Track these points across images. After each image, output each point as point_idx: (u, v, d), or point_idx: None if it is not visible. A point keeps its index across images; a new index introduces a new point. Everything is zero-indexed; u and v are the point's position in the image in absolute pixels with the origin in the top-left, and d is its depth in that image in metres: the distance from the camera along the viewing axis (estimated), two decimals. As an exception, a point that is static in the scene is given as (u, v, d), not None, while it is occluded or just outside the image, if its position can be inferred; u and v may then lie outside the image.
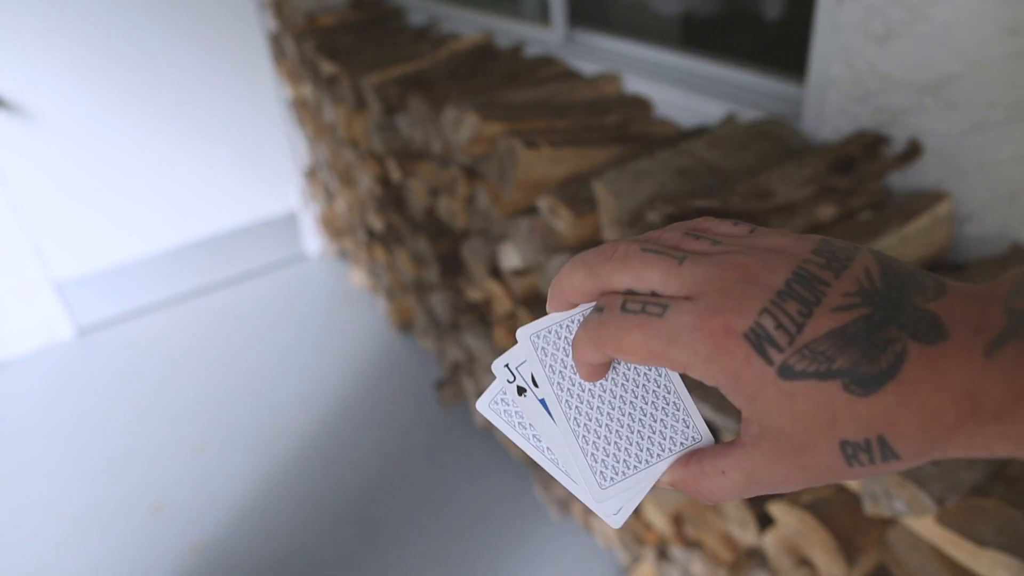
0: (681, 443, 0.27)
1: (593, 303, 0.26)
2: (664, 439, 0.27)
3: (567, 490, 0.28)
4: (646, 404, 0.27)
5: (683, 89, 1.25)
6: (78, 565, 1.67)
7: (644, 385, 0.27)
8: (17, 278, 2.41)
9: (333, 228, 2.73)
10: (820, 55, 0.98)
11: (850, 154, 0.91)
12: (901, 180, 0.94)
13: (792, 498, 0.80)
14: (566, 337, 0.27)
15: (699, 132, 1.15)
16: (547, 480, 1.58)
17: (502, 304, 1.31)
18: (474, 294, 1.44)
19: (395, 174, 1.62)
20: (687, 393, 0.27)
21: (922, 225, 0.84)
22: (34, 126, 2.26)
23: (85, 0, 2.19)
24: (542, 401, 0.27)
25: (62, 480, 1.91)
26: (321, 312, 2.55)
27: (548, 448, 0.27)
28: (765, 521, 0.90)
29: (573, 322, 0.27)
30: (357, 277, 2.59)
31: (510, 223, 1.12)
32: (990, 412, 0.19)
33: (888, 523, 0.76)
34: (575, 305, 0.26)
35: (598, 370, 0.26)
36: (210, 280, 2.76)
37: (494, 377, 0.28)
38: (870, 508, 0.69)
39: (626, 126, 1.21)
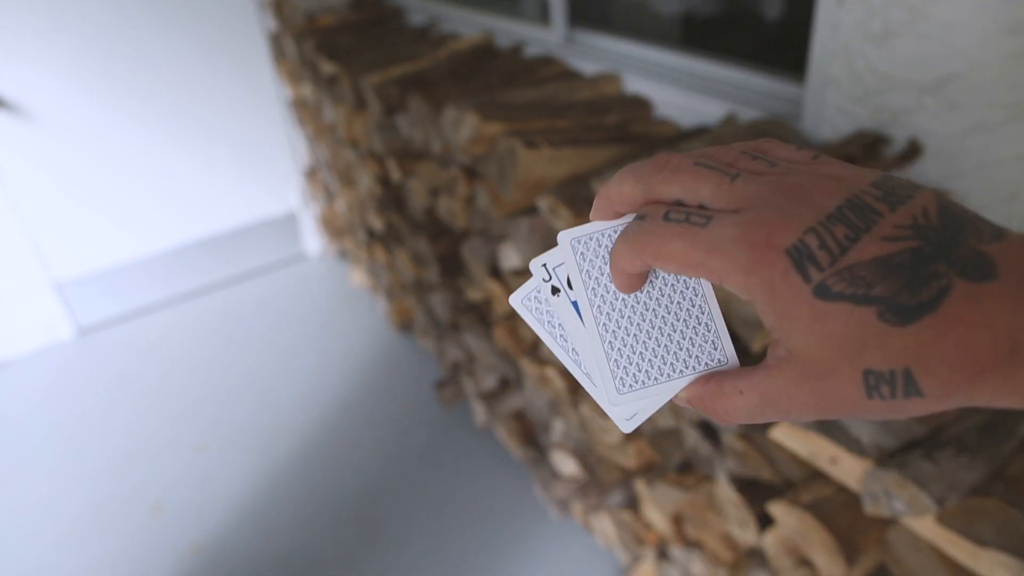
0: (706, 363, 0.27)
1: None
2: (690, 356, 0.27)
3: (592, 399, 0.28)
4: (677, 320, 0.27)
5: (683, 89, 1.25)
6: (78, 565, 1.67)
7: (678, 302, 0.27)
8: (17, 278, 2.41)
9: (333, 228, 2.73)
10: (820, 55, 0.98)
11: (850, 154, 0.91)
12: (901, 180, 0.94)
13: (792, 498, 0.80)
14: (606, 246, 0.27)
15: (699, 132, 1.15)
16: (547, 480, 1.58)
17: (502, 304, 1.31)
18: (474, 294, 1.44)
19: (395, 174, 1.62)
20: (720, 315, 0.27)
21: (922, 225, 0.84)
22: (34, 126, 2.26)
23: (85, 0, 2.19)
24: (574, 303, 0.27)
25: (62, 480, 1.91)
26: (321, 312, 2.55)
27: (573, 349, 0.28)
28: (765, 521, 0.90)
29: (615, 232, 0.27)
30: (357, 277, 2.59)
31: (510, 223, 1.12)
32: None
33: (888, 523, 0.76)
34: (619, 215, 0.26)
35: (634, 280, 0.26)
36: (210, 280, 2.76)
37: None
38: (870, 508, 0.69)
39: (626, 126, 1.21)
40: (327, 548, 1.65)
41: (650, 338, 0.27)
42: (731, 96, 1.18)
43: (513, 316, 1.30)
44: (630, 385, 0.27)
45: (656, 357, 0.27)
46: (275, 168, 2.76)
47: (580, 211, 0.98)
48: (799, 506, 0.79)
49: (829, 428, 0.74)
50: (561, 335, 0.28)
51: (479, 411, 1.73)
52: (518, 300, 0.28)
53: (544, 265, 0.27)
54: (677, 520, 1.13)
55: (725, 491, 0.94)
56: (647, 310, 0.27)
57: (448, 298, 1.61)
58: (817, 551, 0.79)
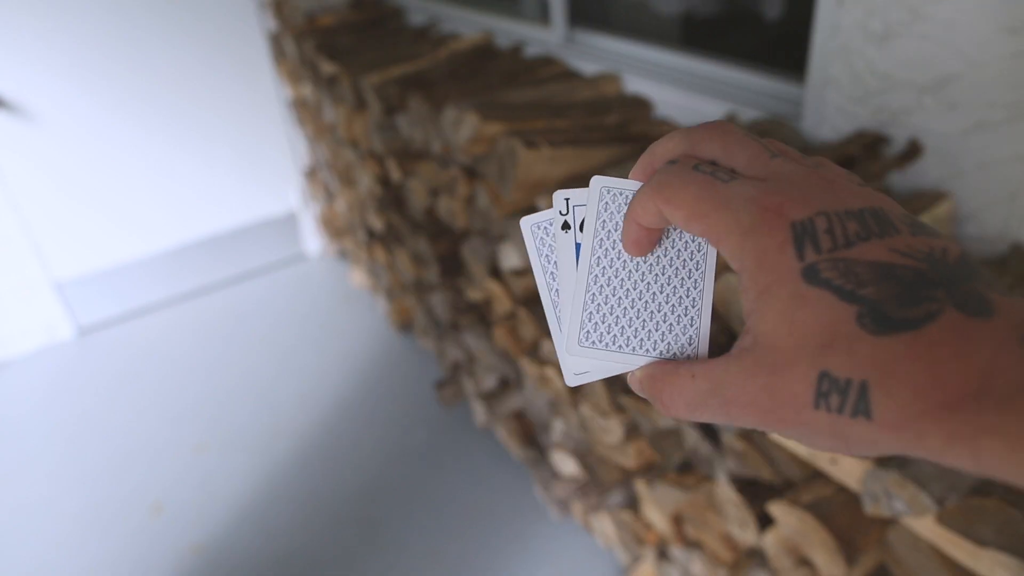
0: (675, 352, 0.26)
1: None
2: (662, 340, 0.26)
3: (552, 339, 0.28)
4: (666, 302, 0.27)
5: (683, 89, 1.25)
6: (78, 565, 1.67)
7: (675, 286, 0.27)
8: (17, 278, 2.41)
9: (333, 228, 2.73)
10: (820, 55, 0.98)
11: (850, 154, 0.91)
12: (901, 180, 0.94)
13: (792, 498, 0.80)
14: None
15: (699, 132, 1.15)
16: (547, 480, 1.58)
17: (502, 304, 1.31)
18: (474, 294, 1.44)
19: (395, 174, 1.62)
20: (709, 315, 0.27)
21: (922, 225, 0.84)
22: (34, 126, 2.26)
23: (85, 0, 2.19)
24: (578, 246, 0.27)
25: (62, 480, 1.91)
26: (321, 312, 2.55)
27: (557, 290, 0.27)
28: (765, 521, 0.90)
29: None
30: (357, 277, 2.59)
31: (510, 223, 1.12)
32: (996, 398, 0.17)
33: (888, 523, 0.76)
34: None
35: (642, 237, 0.26)
36: (210, 280, 2.76)
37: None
38: (870, 508, 0.69)
39: (626, 126, 1.21)
40: (327, 548, 1.65)
41: (632, 307, 0.26)
42: (731, 96, 1.18)
43: (513, 316, 1.30)
44: (593, 342, 0.26)
45: (630, 327, 0.26)
46: (275, 168, 2.76)
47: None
48: (799, 506, 0.79)
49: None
50: (552, 272, 0.28)
51: (479, 411, 1.73)
52: (528, 224, 0.28)
53: (567, 199, 0.27)
54: (677, 520, 1.13)
55: (725, 491, 0.94)
56: (642, 280, 0.27)
57: (448, 298, 1.61)
58: (817, 551, 0.79)
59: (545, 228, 0.28)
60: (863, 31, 0.91)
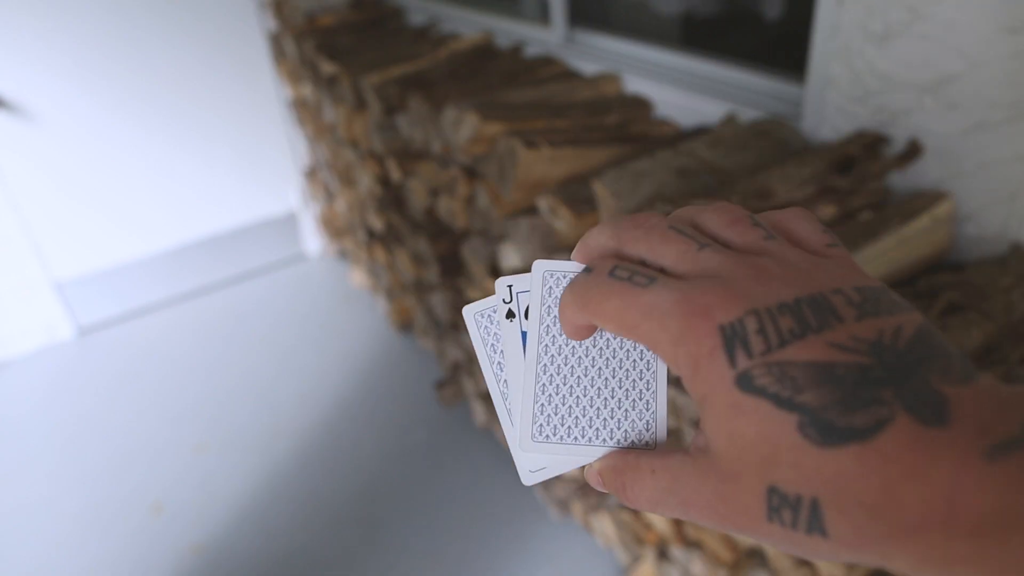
0: (633, 440, 0.25)
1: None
2: (619, 428, 0.25)
3: (504, 433, 0.27)
4: (619, 388, 0.25)
5: (683, 89, 1.25)
6: (78, 565, 1.67)
7: (627, 370, 0.26)
8: (17, 278, 2.41)
9: (333, 228, 2.73)
10: (820, 55, 0.98)
11: (850, 154, 0.91)
12: (901, 180, 0.94)
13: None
14: None
15: (699, 132, 1.15)
16: (548, 480, 1.58)
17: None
18: (474, 294, 1.44)
19: (395, 174, 1.62)
20: (665, 398, 0.26)
21: (922, 225, 0.84)
22: (34, 126, 2.26)
23: (85, 0, 2.19)
24: (524, 334, 0.26)
25: (62, 480, 1.91)
26: (321, 312, 2.55)
27: (505, 380, 0.26)
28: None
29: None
30: (357, 277, 2.59)
31: (510, 223, 1.12)
32: (968, 525, 0.15)
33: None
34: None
35: (581, 331, 0.25)
36: (210, 280, 2.76)
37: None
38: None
39: (626, 126, 1.21)
40: (327, 548, 1.65)
41: (585, 396, 0.25)
42: (731, 96, 1.18)
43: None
44: (547, 436, 0.25)
45: (584, 417, 0.25)
46: (275, 168, 2.76)
47: (580, 211, 0.98)
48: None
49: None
50: (499, 362, 0.26)
51: (479, 411, 1.73)
52: (471, 313, 0.27)
53: (510, 286, 0.27)
54: (677, 520, 1.13)
55: (725, 491, 0.94)
56: (593, 367, 0.25)
57: (448, 298, 1.61)
58: (817, 551, 0.79)
59: (489, 316, 0.27)
60: (863, 31, 0.91)
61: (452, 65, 1.58)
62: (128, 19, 2.28)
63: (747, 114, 1.12)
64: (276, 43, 2.41)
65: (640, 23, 1.47)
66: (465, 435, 1.90)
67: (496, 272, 1.32)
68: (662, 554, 1.25)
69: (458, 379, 1.85)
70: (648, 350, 0.25)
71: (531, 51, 1.61)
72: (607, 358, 0.26)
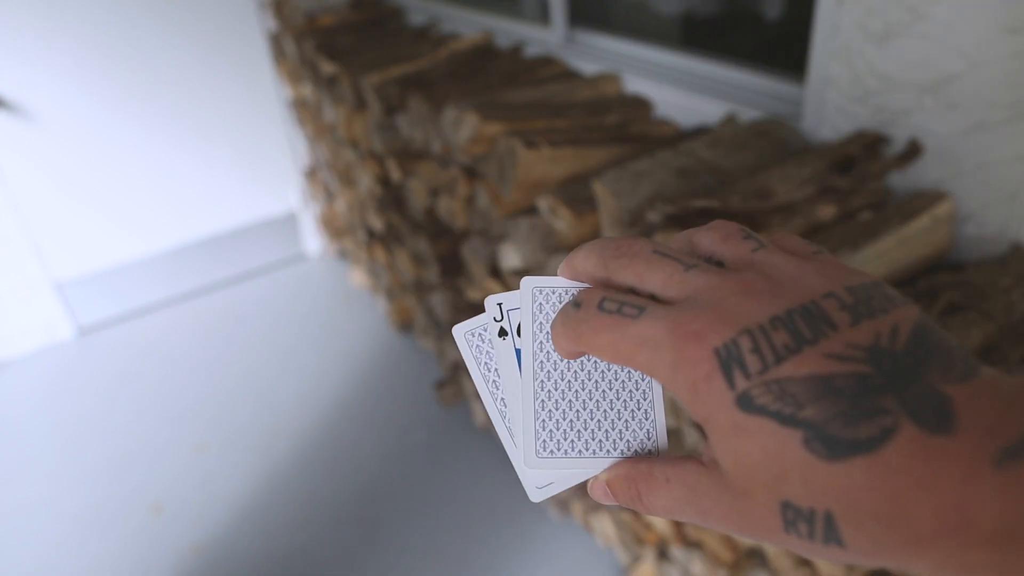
0: (636, 449, 0.25)
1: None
2: (621, 439, 0.25)
3: (507, 453, 0.27)
4: (617, 399, 0.26)
5: (683, 89, 1.25)
6: (78, 565, 1.67)
7: (623, 381, 0.26)
8: (17, 278, 2.41)
9: (333, 228, 2.73)
10: (820, 55, 0.98)
11: (850, 154, 0.91)
12: (901, 180, 0.94)
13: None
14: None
15: (699, 132, 1.15)
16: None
17: (502, 304, 1.31)
18: (474, 294, 1.44)
19: (395, 174, 1.62)
20: (662, 404, 0.26)
21: (922, 225, 0.84)
22: (34, 126, 2.26)
23: (85, 0, 2.19)
24: (518, 351, 0.26)
25: (62, 480, 1.91)
26: (321, 312, 2.55)
27: (502, 399, 0.26)
28: (765, 521, 0.90)
29: (577, 292, 0.26)
30: (357, 277, 2.59)
31: (510, 223, 1.12)
32: (982, 535, 0.15)
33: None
34: (583, 282, 0.26)
35: (574, 355, 0.25)
36: (210, 280, 2.76)
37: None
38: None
39: (626, 126, 1.21)
40: (327, 548, 1.65)
41: (584, 409, 0.25)
42: (731, 96, 1.18)
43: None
44: (551, 451, 0.25)
45: (586, 430, 0.25)
46: (275, 168, 2.76)
47: (580, 211, 0.98)
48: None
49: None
50: (494, 381, 0.26)
51: (479, 411, 1.73)
52: (461, 332, 0.27)
53: (499, 304, 0.26)
54: (677, 520, 1.13)
55: (725, 491, 0.94)
56: (589, 380, 0.26)
57: (448, 298, 1.61)
58: (817, 551, 0.79)
59: (480, 335, 0.27)
60: (863, 31, 0.91)
61: (452, 65, 1.58)
62: (128, 19, 2.28)
63: (747, 114, 1.12)
64: (276, 43, 2.41)
65: (640, 23, 1.47)
66: (465, 435, 1.90)
67: (496, 272, 1.32)
68: (662, 554, 1.25)
69: (458, 379, 1.85)
70: None
71: (531, 51, 1.61)
72: (602, 371, 0.26)
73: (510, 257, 1.20)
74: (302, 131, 2.60)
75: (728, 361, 0.19)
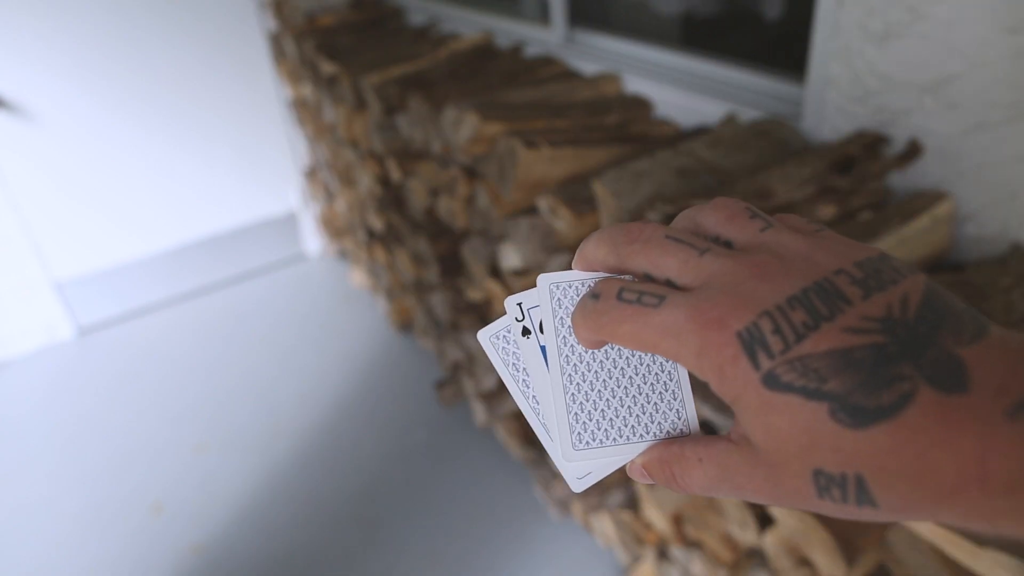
0: (668, 431, 0.26)
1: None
2: (652, 422, 0.26)
3: (544, 448, 0.28)
4: (644, 383, 0.26)
5: (683, 89, 1.25)
6: (78, 565, 1.67)
7: (648, 365, 0.26)
8: (17, 278, 2.41)
9: (333, 228, 2.73)
10: (820, 55, 0.98)
11: (850, 154, 0.91)
12: (901, 180, 0.94)
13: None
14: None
15: (699, 132, 1.15)
16: (547, 480, 1.58)
17: (502, 304, 1.31)
18: (474, 294, 1.44)
19: (395, 174, 1.62)
20: (689, 385, 0.26)
21: (922, 225, 0.84)
22: (34, 126, 2.26)
23: (85, 0, 2.19)
24: (543, 348, 0.26)
25: (62, 480, 1.91)
26: (321, 312, 2.55)
27: (534, 396, 0.27)
28: (765, 521, 0.90)
29: (594, 283, 0.26)
30: (357, 277, 2.59)
31: (510, 223, 1.12)
32: (1001, 483, 0.17)
33: (888, 523, 0.76)
34: (597, 272, 0.26)
35: (596, 344, 0.26)
36: (210, 280, 2.76)
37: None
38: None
39: (626, 126, 1.21)
40: (327, 548, 1.65)
41: (614, 397, 0.26)
42: (731, 96, 1.18)
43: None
44: (587, 442, 0.26)
45: (618, 417, 0.26)
46: (275, 168, 2.76)
47: (580, 211, 0.98)
48: (799, 506, 0.79)
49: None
50: (524, 380, 0.27)
51: (479, 411, 1.73)
52: (486, 336, 0.27)
53: (519, 304, 0.27)
54: (677, 520, 1.13)
55: (725, 491, 0.94)
56: (615, 367, 0.26)
57: (448, 298, 1.61)
58: (817, 551, 0.79)
59: (504, 337, 0.27)
60: (863, 31, 0.91)
61: (452, 65, 1.58)
62: (128, 19, 2.28)
63: (747, 114, 1.12)
64: (276, 43, 2.41)
65: (640, 23, 1.47)
66: (465, 435, 1.90)
67: (496, 272, 1.32)
68: (662, 554, 1.25)
69: (458, 379, 1.85)
70: None
71: (531, 51, 1.61)
72: (627, 357, 0.26)
73: (510, 257, 1.20)
74: (302, 131, 2.60)
75: (751, 343, 0.20)
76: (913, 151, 0.90)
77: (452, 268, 1.55)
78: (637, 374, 0.26)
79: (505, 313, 0.27)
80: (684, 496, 1.05)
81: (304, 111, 2.36)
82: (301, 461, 1.89)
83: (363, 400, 2.09)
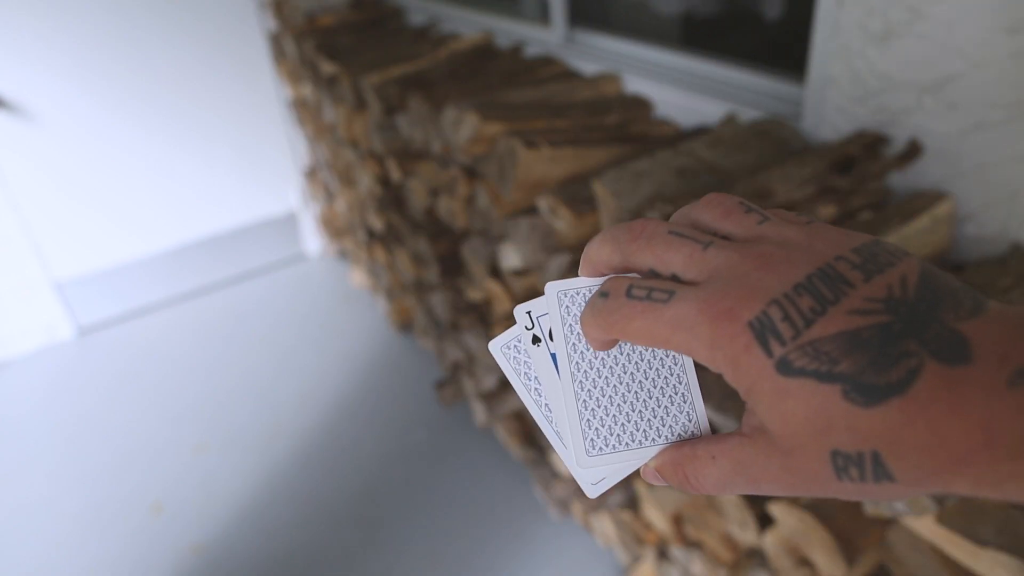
0: (679, 433, 0.26)
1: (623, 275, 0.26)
2: (663, 425, 0.26)
3: (558, 455, 0.27)
4: (654, 387, 0.27)
5: (683, 89, 1.25)
6: (78, 565, 1.67)
7: (657, 368, 0.27)
8: (17, 278, 2.41)
9: (333, 228, 2.73)
10: (820, 55, 0.98)
11: (850, 154, 0.91)
12: (901, 180, 0.94)
13: (792, 498, 0.80)
14: None
15: (699, 132, 1.15)
16: (547, 480, 1.58)
17: (502, 304, 1.31)
18: (474, 294, 1.44)
19: (395, 174, 1.62)
20: (698, 386, 0.27)
21: (922, 225, 0.84)
22: (34, 126, 2.26)
23: (85, 0, 2.19)
24: (553, 356, 0.27)
25: (62, 480, 1.91)
26: (321, 312, 2.55)
27: (546, 404, 0.27)
28: (765, 521, 0.90)
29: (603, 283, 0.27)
30: (357, 277, 2.59)
31: (510, 223, 1.12)
32: (1005, 448, 0.17)
33: (888, 523, 0.76)
34: (604, 274, 0.26)
35: (606, 344, 0.26)
36: (210, 280, 2.76)
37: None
38: (870, 508, 0.69)
39: (626, 126, 1.21)
40: (327, 548, 1.65)
41: (625, 402, 0.26)
42: (731, 96, 1.18)
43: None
44: (600, 448, 0.26)
45: (630, 422, 0.26)
46: (275, 168, 2.76)
47: (580, 211, 0.98)
48: (799, 506, 0.79)
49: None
50: (536, 388, 0.27)
51: (479, 411, 1.73)
52: (497, 347, 0.27)
53: (528, 313, 0.27)
54: (677, 520, 1.13)
55: (725, 491, 0.94)
56: (625, 372, 0.26)
57: (448, 298, 1.61)
58: (817, 551, 0.79)
59: (515, 347, 0.27)
60: (863, 31, 0.91)
61: (452, 65, 1.58)
62: (128, 19, 2.28)
63: (747, 114, 1.12)
64: (276, 43, 2.41)
65: (640, 23, 1.47)
66: (465, 435, 1.90)
67: (496, 272, 1.32)
68: (662, 554, 1.25)
69: (458, 379, 1.85)
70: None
71: (531, 51, 1.61)
72: (636, 362, 0.27)
73: (510, 257, 1.20)
74: (302, 131, 2.60)
75: (762, 332, 0.20)
76: (913, 151, 0.90)
77: (452, 268, 1.55)
78: (647, 378, 0.27)
79: (511, 319, 0.28)
80: (684, 496, 1.05)
81: (304, 111, 2.36)
82: (301, 461, 1.89)
83: (363, 400, 2.09)
